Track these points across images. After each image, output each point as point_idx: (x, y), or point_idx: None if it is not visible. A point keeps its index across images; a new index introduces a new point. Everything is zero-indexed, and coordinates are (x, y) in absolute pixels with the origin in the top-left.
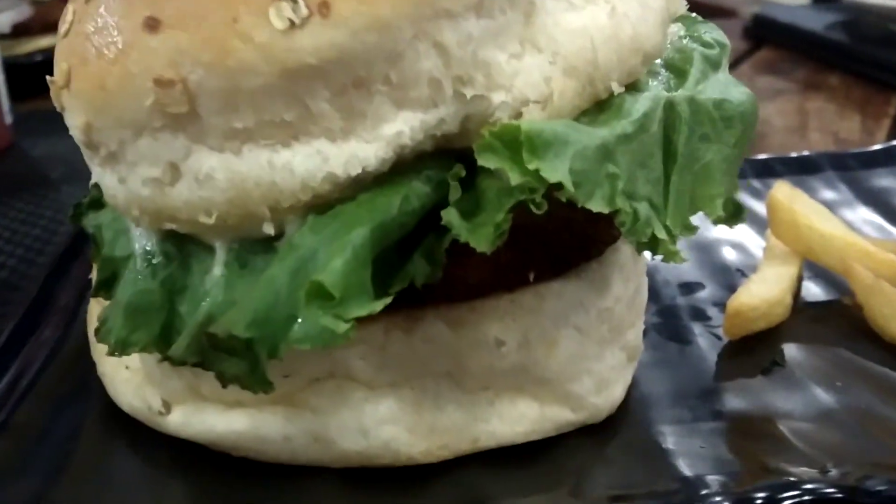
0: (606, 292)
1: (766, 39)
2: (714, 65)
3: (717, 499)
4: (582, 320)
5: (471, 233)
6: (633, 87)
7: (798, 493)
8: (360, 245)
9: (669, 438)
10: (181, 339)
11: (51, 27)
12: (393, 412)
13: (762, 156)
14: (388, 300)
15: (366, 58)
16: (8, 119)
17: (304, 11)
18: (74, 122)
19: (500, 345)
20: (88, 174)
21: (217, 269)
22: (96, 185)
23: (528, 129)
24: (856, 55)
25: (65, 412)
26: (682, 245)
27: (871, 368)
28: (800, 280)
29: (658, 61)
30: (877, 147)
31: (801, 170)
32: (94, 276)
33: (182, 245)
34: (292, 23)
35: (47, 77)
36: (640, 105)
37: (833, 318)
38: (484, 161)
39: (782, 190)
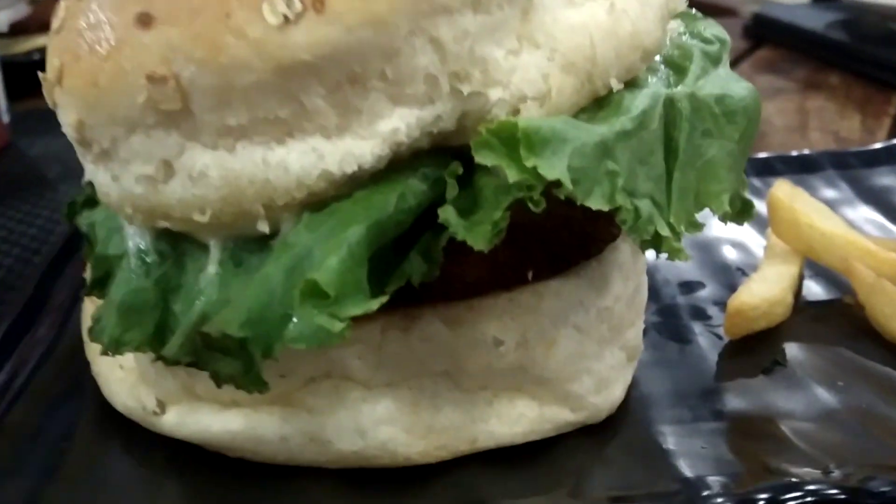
0: (606, 291)
1: (766, 38)
2: (714, 61)
3: (719, 500)
4: (581, 319)
5: (468, 231)
6: (632, 84)
7: (800, 495)
8: (355, 243)
9: (670, 439)
10: (175, 338)
11: (48, 26)
12: (390, 412)
13: (762, 154)
14: (385, 299)
15: (361, 54)
16: (5, 118)
17: (298, 7)
18: (67, 120)
19: (499, 344)
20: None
21: (211, 268)
22: (90, 183)
23: (525, 126)
24: (856, 54)
25: (59, 412)
26: (682, 243)
27: (873, 368)
28: (801, 279)
29: (657, 58)
30: (878, 145)
31: (802, 168)
32: (87, 274)
33: (176, 243)
34: (286, 18)
35: (39, 73)
36: (639, 102)
37: (834, 318)
38: (481, 158)
39: (783, 189)
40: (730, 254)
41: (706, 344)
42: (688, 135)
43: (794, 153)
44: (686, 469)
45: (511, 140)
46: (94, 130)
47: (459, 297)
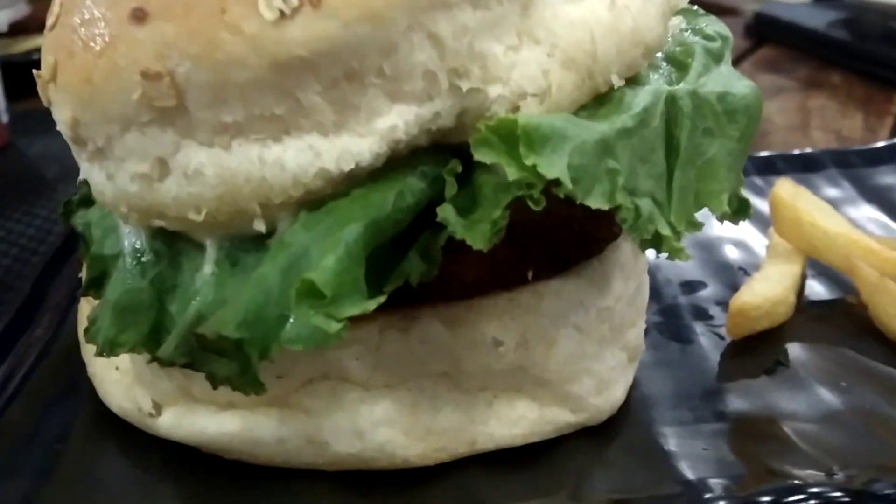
0: (607, 291)
1: (767, 37)
2: (716, 58)
3: (721, 503)
4: (582, 320)
5: (467, 230)
6: (633, 81)
7: (803, 498)
8: (353, 242)
9: (671, 440)
10: (170, 339)
11: None
12: (389, 414)
13: (765, 153)
14: (383, 299)
15: (358, 49)
16: (4, 118)
17: (294, 2)
18: (61, 117)
19: (498, 344)
20: None
21: (207, 268)
22: (85, 182)
23: (525, 124)
24: (857, 53)
25: (55, 413)
26: (684, 242)
27: (876, 368)
28: (803, 278)
29: (659, 54)
30: (880, 144)
31: (804, 167)
32: (83, 274)
33: (172, 243)
34: (282, 13)
35: (34, 71)
36: (640, 99)
37: (837, 317)
38: (480, 156)
39: (785, 187)
40: (732, 253)
41: (708, 344)
42: (689, 133)
43: (797, 152)
44: (688, 471)
45: (511, 137)
46: (88, 128)
47: (458, 296)
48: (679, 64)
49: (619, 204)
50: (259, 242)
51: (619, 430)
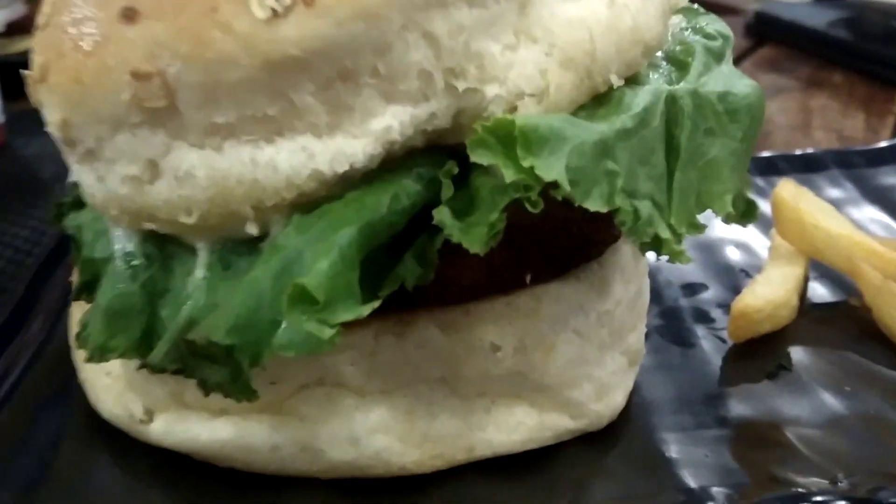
0: (606, 295)
1: (768, 37)
2: (717, 57)
3: None
4: (581, 324)
5: (464, 233)
6: (633, 81)
7: None
8: (346, 246)
9: (673, 447)
10: (160, 344)
11: None
12: (384, 420)
13: (766, 153)
14: (377, 304)
15: (352, 49)
16: (1, 118)
17: (287, 0)
18: (51, 118)
19: (496, 349)
20: None
21: (199, 271)
22: (76, 184)
23: (522, 124)
24: (859, 52)
25: (45, 419)
26: (685, 244)
27: (881, 372)
28: (806, 281)
29: (659, 53)
30: (883, 144)
31: (806, 168)
32: (74, 278)
33: (164, 246)
34: (275, 12)
35: (22, 71)
36: (640, 99)
37: (840, 320)
38: (477, 157)
39: (787, 188)
40: (733, 255)
41: (709, 347)
42: (690, 133)
43: (798, 152)
44: (689, 479)
45: (508, 138)
46: (78, 129)
47: (455, 301)
48: (679, 63)
49: (618, 206)
50: (252, 246)
51: (620, 437)
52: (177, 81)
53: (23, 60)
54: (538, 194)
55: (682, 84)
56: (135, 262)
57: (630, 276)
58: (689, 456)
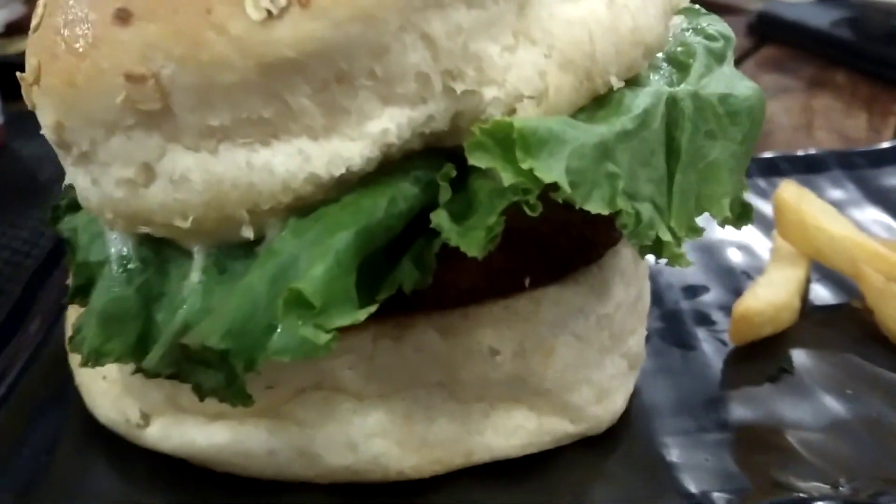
0: (606, 298)
1: (770, 36)
2: (718, 58)
3: None
4: (581, 327)
5: (462, 236)
6: (633, 82)
7: None
8: (343, 250)
9: (673, 451)
10: (155, 349)
11: None
12: (382, 425)
13: (768, 154)
14: (373, 308)
15: (349, 50)
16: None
17: (282, 1)
18: (45, 121)
19: (495, 353)
20: None
21: (195, 275)
22: (72, 187)
23: (521, 127)
24: (862, 52)
25: (42, 422)
26: (686, 247)
27: (883, 375)
28: (808, 283)
29: (660, 55)
30: (885, 145)
31: (808, 168)
32: (70, 281)
33: (159, 249)
34: (270, 13)
35: (17, 74)
36: (640, 100)
37: (842, 323)
38: (475, 160)
39: (789, 189)
40: (735, 257)
41: (711, 350)
42: (690, 135)
43: (800, 153)
44: (690, 484)
45: (506, 141)
46: (72, 132)
47: (453, 305)
48: (680, 64)
49: (619, 209)
50: (248, 250)
51: (620, 441)
52: (171, 83)
53: (21, 61)
54: (537, 197)
55: (682, 86)
56: (130, 266)
57: (630, 279)
58: (689, 460)
